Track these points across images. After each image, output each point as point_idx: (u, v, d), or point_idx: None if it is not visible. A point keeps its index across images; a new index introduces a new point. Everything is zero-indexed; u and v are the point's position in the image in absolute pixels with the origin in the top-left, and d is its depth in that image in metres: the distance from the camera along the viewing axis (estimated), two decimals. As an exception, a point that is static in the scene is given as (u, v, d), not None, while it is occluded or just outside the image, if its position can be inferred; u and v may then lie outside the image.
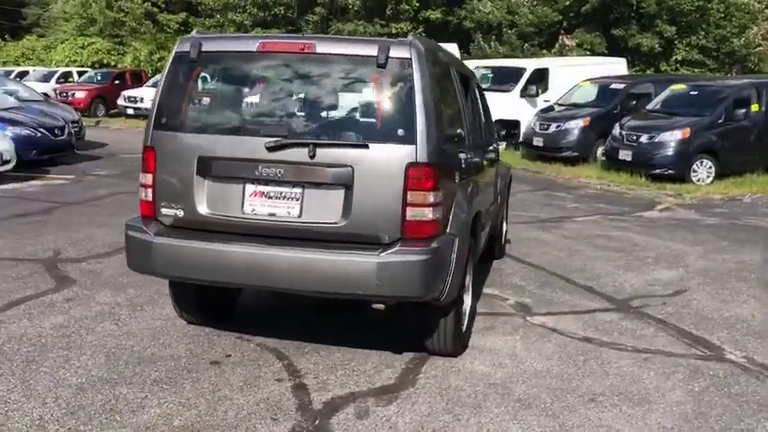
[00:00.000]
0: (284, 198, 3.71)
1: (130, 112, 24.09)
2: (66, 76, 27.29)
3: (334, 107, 3.84)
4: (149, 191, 3.91)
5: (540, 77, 17.00)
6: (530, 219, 9.26)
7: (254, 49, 3.83)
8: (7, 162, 10.62)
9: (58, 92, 25.04)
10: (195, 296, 4.40)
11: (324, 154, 3.65)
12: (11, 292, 5.29)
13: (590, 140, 14.47)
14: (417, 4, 28.60)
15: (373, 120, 3.78)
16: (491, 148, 5.61)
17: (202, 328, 4.66)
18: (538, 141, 14.87)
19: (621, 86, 15.35)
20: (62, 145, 13.04)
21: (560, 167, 14.12)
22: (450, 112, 4.23)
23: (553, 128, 14.72)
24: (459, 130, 4.36)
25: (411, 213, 3.59)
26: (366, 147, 3.62)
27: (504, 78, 17.15)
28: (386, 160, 3.60)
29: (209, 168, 3.80)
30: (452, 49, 21.90)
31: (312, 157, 3.63)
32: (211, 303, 4.52)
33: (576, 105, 15.35)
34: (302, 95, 3.79)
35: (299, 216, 3.71)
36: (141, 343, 4.41)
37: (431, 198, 3.62)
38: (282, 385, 3.87)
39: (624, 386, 4.03)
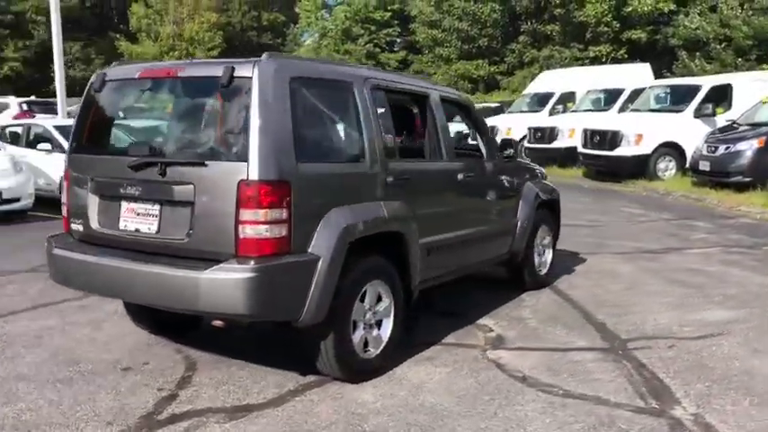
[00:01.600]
0: (147, 215, 3.92)
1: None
2: None
3: (187, 127, 3.98)
4: (65, 208, 4.36)
5: (722, 95, 15.24)
6: (630, 249, 8.41)
7: (136, 76, 4.13)
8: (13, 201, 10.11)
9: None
10: (143, 308, 4.72)
11: (172, 172, 3.81)
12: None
13: (766, 164, 12.64)
14: (618, 26, 27.15)
15: (215, 138, 3.85)
16: (464, 166, 5.28)
17: (158, 339, 4.98)
18: (704, 165, 13.35)
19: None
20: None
21: (727, 194, 12.53)
22: (331, 131, 4.15)
23: (721, 150, 13.11)
24: (352, 150, 4.23)
25: (244, 231, 3.59)
26: (204, 165, 3.71)
27: (680, 98, 15.70)
28: (221, 178, 3.65)
29: (98, 187, 4.14)
30: (643, 69, 20.56)
31: (162, 175, 3.81)
32: (165, 316, 4.77)
33: (756, 125, 13.53)
34: (165, 116, 3.99)
35: (158, 232, 3.89)
36: (89, 347, 4.85)
37: (267, 216, 3.59)
38: (157, 394, 4.04)
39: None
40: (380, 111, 4.50)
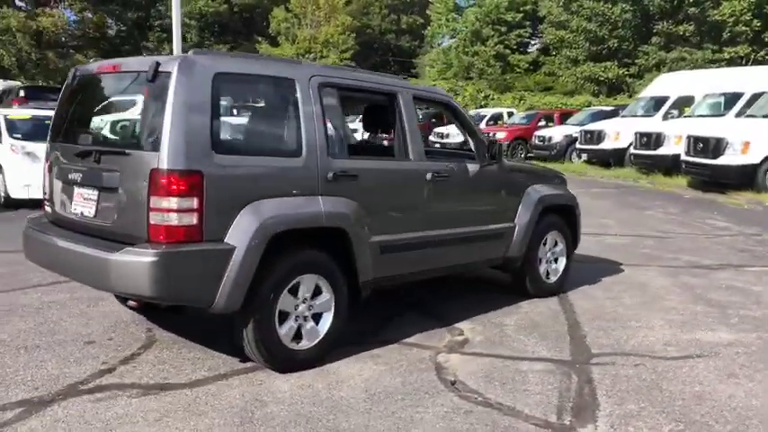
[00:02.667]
0: (89, 199, 4.23)
1: (438, 146, 25.83)
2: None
3: (122, 118, 4.23)
4: (43, 192, 4.79)
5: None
6: (683, 263, 7.86)
7: (94, 71, 4.45)
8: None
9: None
10: None
11: (105, 160, 4.09)
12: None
13: None
14: (759, 24, 25.10)
15: (139, 129, 4.07)
16: (436, 167, 5.19)
17: (141, 318, 5.31)
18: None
19: None
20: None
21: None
22: (260, 125, 4.25)
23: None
24: (286, 145, 4.32)
25: (154, 217, 3.79)
26: (127, 154, 3.96)
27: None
28: (139, 166, 3.87)
29: (60, 173, 4.52)
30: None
31: (97, 162, 4.10)
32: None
33: None
34: (109, 108, 4.27)
35: (95, 216, 4.19)
36: (74, 321, 5.27)
37: (176, 204, 3.77)
38: (97, 367, 4.35)
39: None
40: (329, 108, 4.55)
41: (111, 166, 4.06)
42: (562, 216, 6.47)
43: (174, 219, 3.78)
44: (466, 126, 5.69)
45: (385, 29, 57.50)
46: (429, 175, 5.06)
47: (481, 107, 32.09)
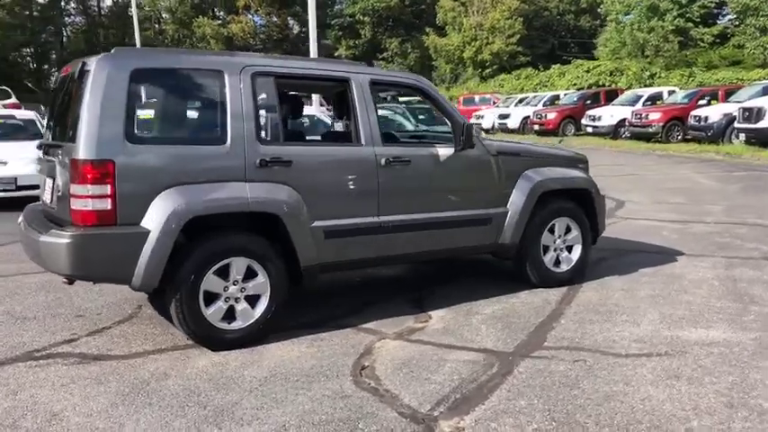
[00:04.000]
0: (49, 188, 4.73)
1: (589, 130, 24.70)
2: (553, 100, 29.37)
3: (65, 114, 4.63)
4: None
5: None
6: (760, 255, 7.02)
7: (62, 73, 4.95)
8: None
9: (535, 114, 27.38)
10: None
11: (51, 152, 4.56)
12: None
13: None
14: None
15: (70, 123, 4.44)
16: (393, 152, 5.11)
17: (144, 295, 5.79)
18: None
19: None
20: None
21: None
22: (179, 116, 4.48)
23: None
24: (208, 133, 4.52)
25: (74, 203, 4.18)
26: (61, 146, 4.39)
27: None
28: (65, 157, 4.28)
29: (40, 167, 5.08)
30: None
31: (46, 154, 4.58)
32: None
33: None
34: (64, 106, 4.71)
35: (50, 203, 4.68)
36: (76, 298, 5.78)
37: (90, 191, 4.13)
38: (64, 337, 4.86)
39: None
40: (263, 97, 4.69)
41: (53, 157, 4.53)
42: (577, 201, 6.06)
43: (89, 204, 4.15)
44: (441, 109, 5.53)
45: (563, 9, 55.47)
46: (383, 161, 5.02)
47: (646, 86, 30.01)
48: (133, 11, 35.99)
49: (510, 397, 3.75)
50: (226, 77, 4.54)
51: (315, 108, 20.17)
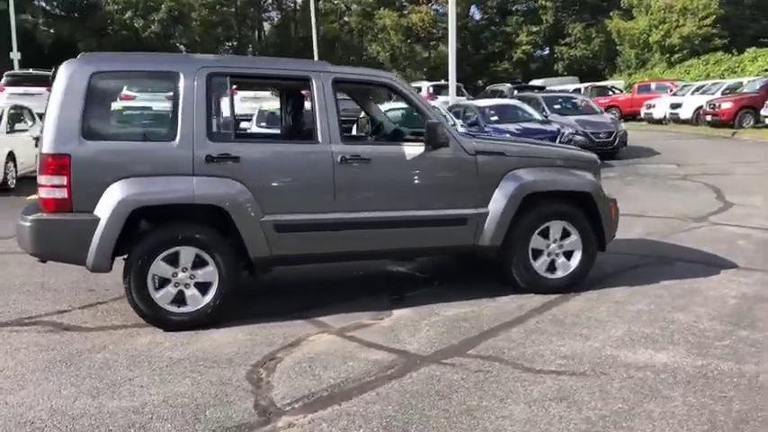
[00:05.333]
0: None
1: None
2: (735, 88, 26.67)
3: None
4: None
5: None
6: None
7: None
8: None
9: (708, 104, 25.12)
10: None
11: (38, 145, 5.18)
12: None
13: None
14: None
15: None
16: (351, 149, 5.13)
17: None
18: None
19: None
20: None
21: None
22: (132, 115, 4.85)
23: None
24: (158, 131, 4.88)
25: (40, 191, 4.76)
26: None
27: None
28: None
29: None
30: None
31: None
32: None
33: None
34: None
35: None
36: (66, 274, 6.14)
37: (50, 181, 4.69)
38: (55, 308, 5.50)
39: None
40: (218, 96, 4.97)
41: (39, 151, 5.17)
42: (577, 205, 5.70)
43: (49, 193, 4.71)
44: (414, 107, 5.45)
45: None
46: (339, 158, 5.10)
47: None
48: (311, 5, 37.93)
49: (372, 400, 3.74)
50: (181, 78, 4.88)
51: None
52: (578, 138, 15.81)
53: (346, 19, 53.39)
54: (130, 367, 4.26)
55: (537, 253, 5.65)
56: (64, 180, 4.67)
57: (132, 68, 5.03)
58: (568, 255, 5.72)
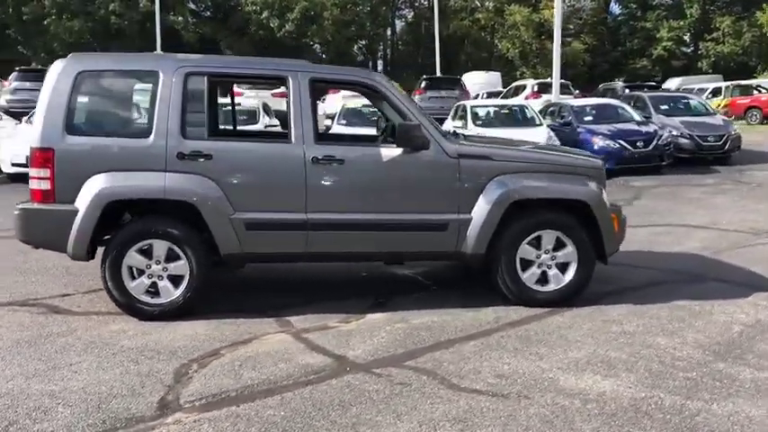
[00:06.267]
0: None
1: None
2: None
3: None
4: None
5: None
6: None
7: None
8: None
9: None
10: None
11: (37, 140, 5.54)
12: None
13: None
14: None
15: None
16: (325, 150, 5.06)
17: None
18: None
19: None
20: (641, 157, 13.73)
21: None
22: (112, 112, 5.05)
23: None
24: (135, 127, 5.06)
25: (30, 183, 5.09)
26: (38, 135, 5.35)
27: None
28: (35, 144, 5.22)
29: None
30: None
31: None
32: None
33: None
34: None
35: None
36: (58, 259, 6.07)
37: (37, 173, 5.02)
38: (59, 292, 5.88)
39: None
40: (194, 95, 5.09)
41: (36, 145, 5.53)
42: (574, 214, 5.33)
43: (37, 184, 5.03)
44: (395, 108, 5.29)
45: None
46: (312, 158, 5.07)
47: None
48: (434, 3, 37.78)
49: (270, 405, 3.69)
50: (160, 77, 5.05)
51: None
52: (683, 140, 14.79)
53: (478, 16, 52.62)
54: (81, 353, 4.47)
55: (527, 264, 5.34)
56: (48, 173, 4.97)
57: (116, 67, 5.28)
58: (563, 267, 5.36)
